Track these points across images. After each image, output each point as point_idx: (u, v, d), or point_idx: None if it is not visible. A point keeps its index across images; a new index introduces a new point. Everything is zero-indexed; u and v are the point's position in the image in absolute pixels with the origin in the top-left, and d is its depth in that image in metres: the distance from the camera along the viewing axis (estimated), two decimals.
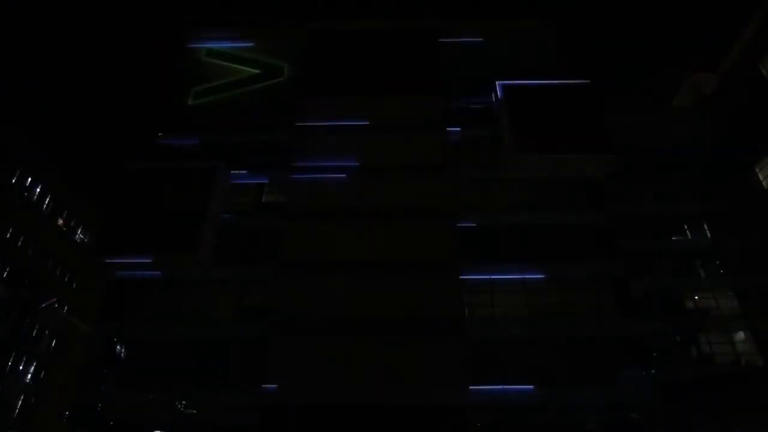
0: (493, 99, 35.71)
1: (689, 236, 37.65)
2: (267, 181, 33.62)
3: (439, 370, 25.94)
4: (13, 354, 41.40)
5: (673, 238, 37.59)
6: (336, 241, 30.09)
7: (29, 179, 43.84)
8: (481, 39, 39.65)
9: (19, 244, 42.60)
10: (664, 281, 35.34)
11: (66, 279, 48.72)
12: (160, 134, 35.40)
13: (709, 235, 37.20)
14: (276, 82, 38.16)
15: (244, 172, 33.61)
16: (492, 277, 29.27)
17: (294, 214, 31.23)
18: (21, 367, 43.03)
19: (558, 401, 25.37)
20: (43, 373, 45.31)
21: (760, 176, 36.25)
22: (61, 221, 48.04)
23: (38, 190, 44.95)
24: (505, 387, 25.78)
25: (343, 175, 32.53)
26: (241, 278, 29.90)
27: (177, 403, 25.78)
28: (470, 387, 25.50)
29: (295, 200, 31.91)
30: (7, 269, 40.82)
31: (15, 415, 42.08)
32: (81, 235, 51.14)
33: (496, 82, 35.08)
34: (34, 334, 44.45)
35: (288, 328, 27.52)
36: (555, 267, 29.31)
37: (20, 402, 42.72)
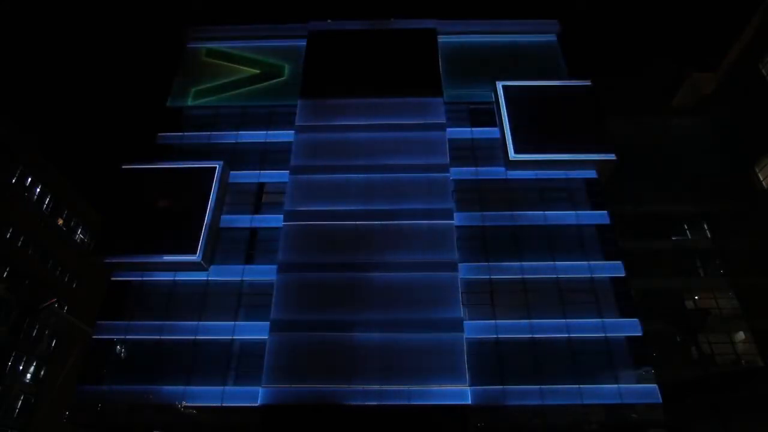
0: (493, 99, 35.75)
1: (689, 236, 37.64)
2: (267, 181, 33.59)
3: (439, 370, 25.96)
4: (13, 354, 41.39)
5: (673, 238, 37.58)
6: (336, 241, 30.11)
7: (29, 179, 43.83)
8: (482, 39, 39.75)
9: (19, 244, 42.59)
10: (664, 281, 35.34)
11: (66, 279, 48.71)
12: (160, 134, 35.42)
13: (709, 235, 37.20)
14: (276, 82, 38.20)
15: (244, 172, 33.64)
16: (492, 277, 29.28)
17: (294, 214, 31.24)
18: (21, 367, 43.04)
19: (558, 401, 25.36)
20: (43, 373, 45.31)
21: (760, 176, 36.24)
22: (61, 221, 48.03)
23: (38, 190, 44.94)
24: (505, 387, 25.81)
25: (344, 175, 32.53)
26: (241, 278, 29.90)
27: (177, 403, 25.79)
28: (470, 387, 25.53)
29: (296, 200, 31.91)
30: (7, 269, 40.83)
31: (15, 415, 42.08)
32: (81, 235, 51.12)
33: (496, 82, 35.12)
34: (34, 334, 44.46)
35: (287, 327, 27.55)
36: (555, 267, 29.31)
37: (20, 402, 42.72)
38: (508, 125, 33.04)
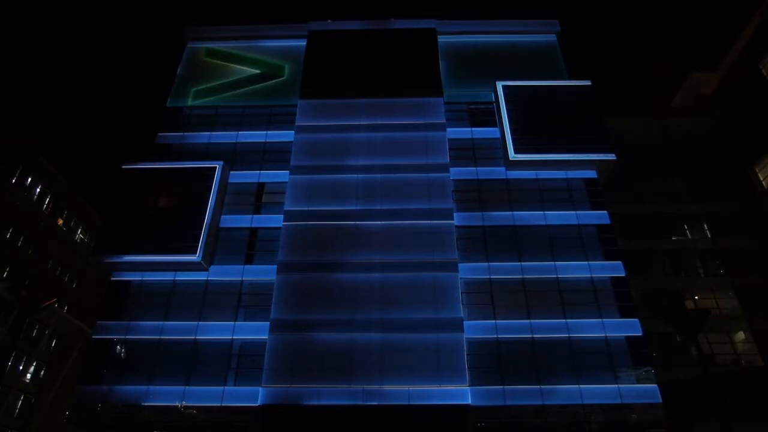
0: (493, 99, 35.75)
1: (689, 236, 37.63)
2: (267, 181, 33.56)
3: (439, 370, 25.95)
4: (13, 354, 41.38)
5: (673, 238, 37.56)
6: (336, 241, 30.11)
7: (29, 179, 43.83)
8: (482, 39, 39.79)
9: (19, 244, 42.59)
10: (664, 281, 35.33)
11: (66, 279, 48.71)
12: (160, 134, 35.41)
13: (709, 235, 37.18)
14: (276, 82, 38.18)
15: (244, 172, 33.63)
16: (492, 277, 29.27)
17: (294, 214, 31.23)
18: (21, 367, 43.04)
19: (558, 401, 25.36)
20: (43, 373, 45.32)
21: (760, 176, 36.25)
22: (61, 221, 48.03)
23: (38, 190, 44.94)
24: (505, 387, 25.81)
25: (344, 175, 32.52)
26: (241, 278, 29.88)
27: (177, 403, 25.79)
28: (470, 387, 25.53)
29: (296, 200, 31.90)
30: (7, 269, 40.84)
31: (15, 415, 42.09)
32: (81, 235, 51.12)
33: (496, 82, 35.12)
34: (34, 334, 44.47)
35: (287, 327, 27.55)
36: (555, 267, 29.32)
37: (20, 402, 42.73)
38: (508, 125, 33.04)
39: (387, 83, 36.53)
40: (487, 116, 35.71)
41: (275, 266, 29.58)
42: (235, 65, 39.01)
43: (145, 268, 29.74)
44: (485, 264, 29.61)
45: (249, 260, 30.66)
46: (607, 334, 27.32)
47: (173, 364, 27.26)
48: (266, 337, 27.32)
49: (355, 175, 32.51)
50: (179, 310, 29.00)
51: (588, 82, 35.13)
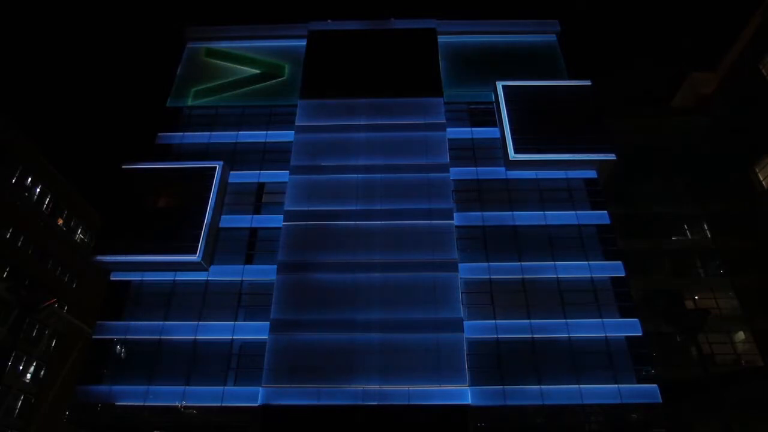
0: (493, 99, 35.75)
1: (689, 236, 37.63)
2: (267, 181, 33.56)
3: (439, 370, 25.95)
4: (13, 354, 41.37)
5: (673, 238, 37.57)
6: (336, 241, 30.10)
7: (29, 179, 43.83)
8: (482, 38, 39.80)
9: (19, 244, 42.59)
10: (664, 281, 35.34)
11: (66, 279, 48.70)
12: (160, 134, 35.40)
13: (709, 235, 37.19)
14: (276, 82, 38.18)
15: (244, 172, 33.62)
16: (492, 277, 29.27)
17: (294, 214, 31.22)
18: (21, 367, 43.03)
19: (558, 401, 25.36)
20: (43, 373, 45.31)
21: (760, 176, 36.24)
22: (61, 221, 48.03)
23: (38, 190, 44.94)
24: (505, 387, 25.81)
25: (344, 175, 32.52)
26: (241, 278, 29.88)
27: (177, 403, 25.79)
28: (470, 387, 25.52)
29: (296, 200, 31.89)
30: (7, 269, 40.84)
31: (15, 415, 42.08)
32: (81, 235, 51.12)
33: (496, 82, 35.11)
34: (34, 334, 44.47)
35: (287, 327, 27.54)
36: (555, 267, 29.31)
37: (20, 402, 42.72)
38: (508, 125, 33.04)
39: (387, 83, 36.52)
40: (487, 116, 35.71)
41: (275, 266, 29.58)
42: (235, 65, 39.00)
43: (145, 268, 29.73)
44: (485, 264, 29.61)
45: (249, 260, 30.66)
46: (607, 334, 27.32)
47: (173, 364, 27.26)
48: (266, 337, 27.32)
49: (355, 175, 32.51)
50: (179, 310, 29.00)
51: (588, 82, 35.12)
